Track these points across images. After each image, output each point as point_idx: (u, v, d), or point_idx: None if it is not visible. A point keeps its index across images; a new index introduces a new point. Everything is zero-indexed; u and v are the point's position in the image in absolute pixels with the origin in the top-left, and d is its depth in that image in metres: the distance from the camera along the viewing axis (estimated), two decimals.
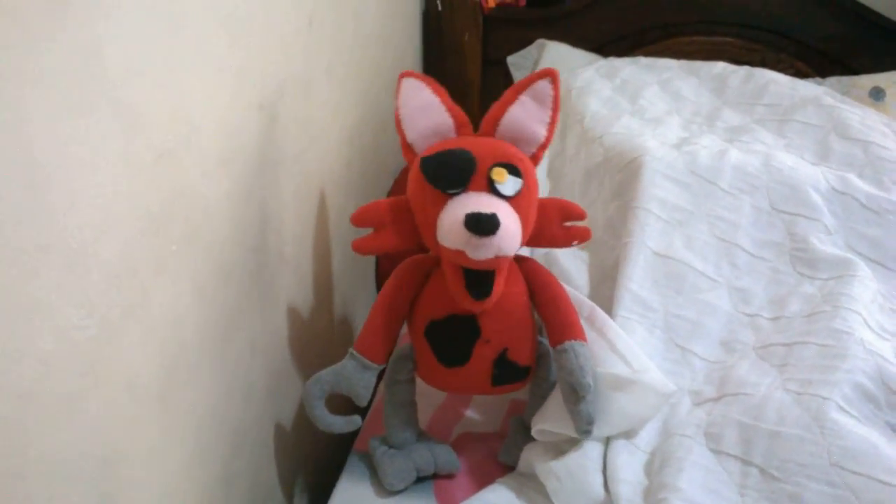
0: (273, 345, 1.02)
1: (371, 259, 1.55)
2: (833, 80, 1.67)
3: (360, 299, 1.47)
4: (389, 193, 1.63)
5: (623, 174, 1.21)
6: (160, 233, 0.70)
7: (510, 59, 1.87)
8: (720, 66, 1.60)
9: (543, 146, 0.92)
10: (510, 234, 0.83)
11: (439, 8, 1.86)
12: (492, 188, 0.85)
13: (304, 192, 1.09)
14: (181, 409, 0.78)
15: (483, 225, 0.81)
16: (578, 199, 1.28)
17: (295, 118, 1.03)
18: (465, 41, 1.86)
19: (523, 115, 0.91)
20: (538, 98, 0.91)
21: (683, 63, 1.64)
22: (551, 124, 0.92)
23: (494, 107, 0.92)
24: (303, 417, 1.13)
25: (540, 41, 1.85)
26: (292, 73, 1.01)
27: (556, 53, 1.79)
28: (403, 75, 0.94)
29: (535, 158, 0.92)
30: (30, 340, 0.54)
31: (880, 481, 0.81)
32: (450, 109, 0.92)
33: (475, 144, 0.89)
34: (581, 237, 0.96)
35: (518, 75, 1.86)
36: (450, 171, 0.86)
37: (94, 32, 0.58)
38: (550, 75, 0.91)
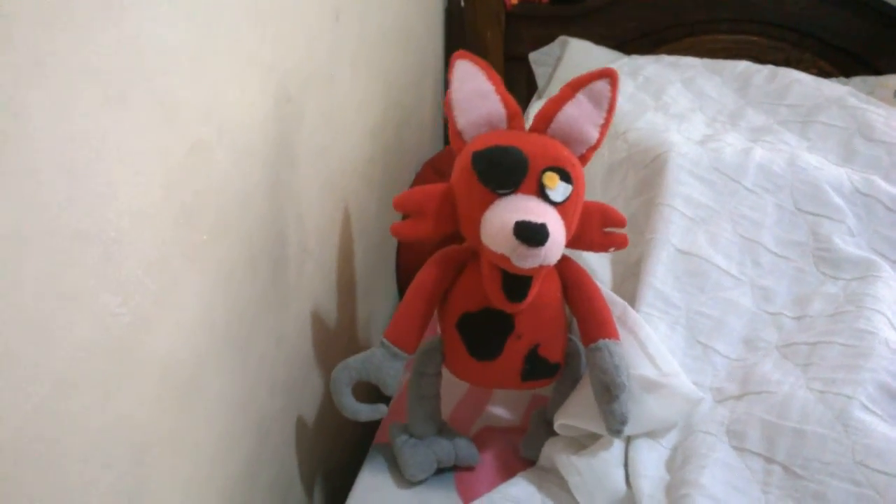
0: (297, 337, 1.03)
1: (392, 252, 1.55)
2: (858, 79, 1.66)
3: (381, 293, 1.48)
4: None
5: (647, 170, 1.21)
6: (192, 223, 0.71)
7: (532, 56, 1.87)
8: (743, 65, 1.59)
9: (594, 148, 0.91)
10: (557, 245, 0.82)
11: (462, 4, 1.86)
12: (541, 192, 0.84)
13: (328, 185, 1.10)
14: (209, 399, 0.79)
15: (533, 235, 0.79)
16: (600, 194, 1.28)
17: (321, 112, 1.04)
18: (487, 37, 1.86)
19: (578, 114, 0.89)
20: (594, 98, 0.89)
21: (707, 61, 1.64)
22: (604, 126, 0.90)
23: (549, 103, 0.90)
24: (325, 410, 1.14)
25: (562, 38, 1.85)
26: (319, 66, 1.02)
27: (578, 51, 1.79)
28: (458, 56, 0.91)
29: (584, 159, 0.91)
30: (68, 327, 0.55)
31: None
32: (504, 99, 0.90)
33: (527, 142, 0.87)
34: (619, 244, 0.95)
35: (540, 72, 1.86)
36: (502, 171, 0.84)
37: (133, 28, 0.59)
38: (610, 76, 0.89)
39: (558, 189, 0.85)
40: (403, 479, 0.99)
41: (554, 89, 1.62)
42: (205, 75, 0.71)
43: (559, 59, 1.81)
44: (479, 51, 1.87)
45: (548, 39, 1.86)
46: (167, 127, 0.65)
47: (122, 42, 0.58)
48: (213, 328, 0.77)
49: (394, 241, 1.56)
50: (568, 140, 0.90)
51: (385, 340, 0.93)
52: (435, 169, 1.66)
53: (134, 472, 0.66)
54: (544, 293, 0.91)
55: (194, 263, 0.72)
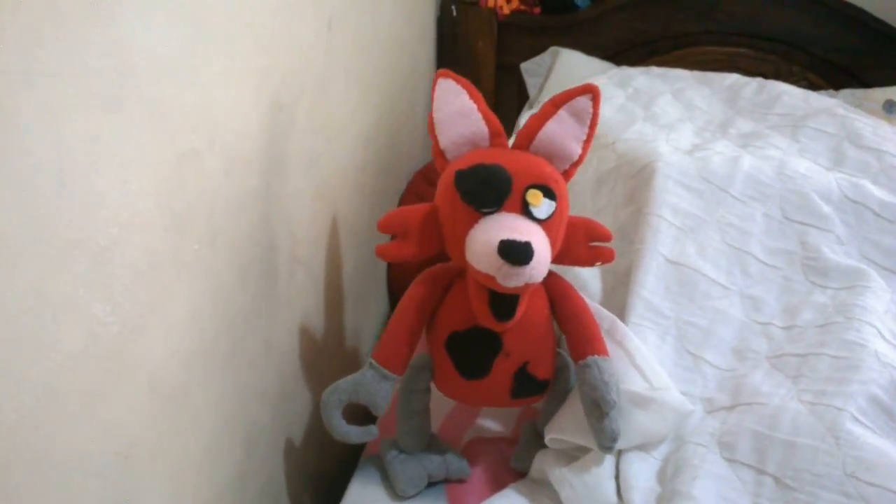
0: (287, 347, 1.02)
1: (383, 263, 1.55)
2: (846, 92, 1.67)
3: (372, 303, 1.47)
4: (401, 198, 1.64)
5: (635, 180, 1.21)
6: (183, 231, 0.70)
7: (524, 66, 1.88)
8: (732, 78, 1.60)
9: (577, 163, 0.91)
10: (542, 262, 0.82)
11: (454, 14, 1.87)
12: (525, 210, 0.84)
13: (319, 194, 1.09)
14: (197, 408, 0.78)
15: (518, 254, 0.79)
16: (589, 204, 1.28)
17: (313, 121, 1.04)
18: (479, 47, 1.87)
19: (560, 130, 0.89)
20: (576, 114, 0.89)
21: (696, 73, 1.64)
22: (587, 142, 0.90)
23: (531, 120, 0.90)
24: (315, 420, 1.14)
25: (553, 48, 1.85)
26: (312, 75, 1.02)
27: (569, 61, 1.80)
28: (440, 75, 0.91)
29: (567, 175, 0.91)
30: (56, 335, 0.55)
31: (895, 492, 0.81)
32: (486, 118, 0.90)
33: (510, 160, 0.87)
34: (605, 258, 0.95)
35: (531, 82, 1.86)
36: (485, 190, 0.85)
37: (124, 32, 0.59)
38: (591, 91, 0.89)
39: (542, 206, 0.85)
40: (394, 491, 0.98)
41: (545, 99, 1.62)
42: (196, 83, 0.71)
43: (550, 69, 1.81)
44: (471, 60, 1.88)
45: (539, 49, 1.87)
46: (158, 135, 0.65)
47: (113, 49, 0.58)
48: (202, 337, 0.77)
49: None
50: (551, 156, 0.90)
51: (374, 362, 0.92)
52: (426, 178, 1.66)
53: (121, 480, 0.65)
54: (532, 310, 0.91)
55: (184, 272, 0.72)
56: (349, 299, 1.30)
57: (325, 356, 1.17)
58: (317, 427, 1.15)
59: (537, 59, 1.86)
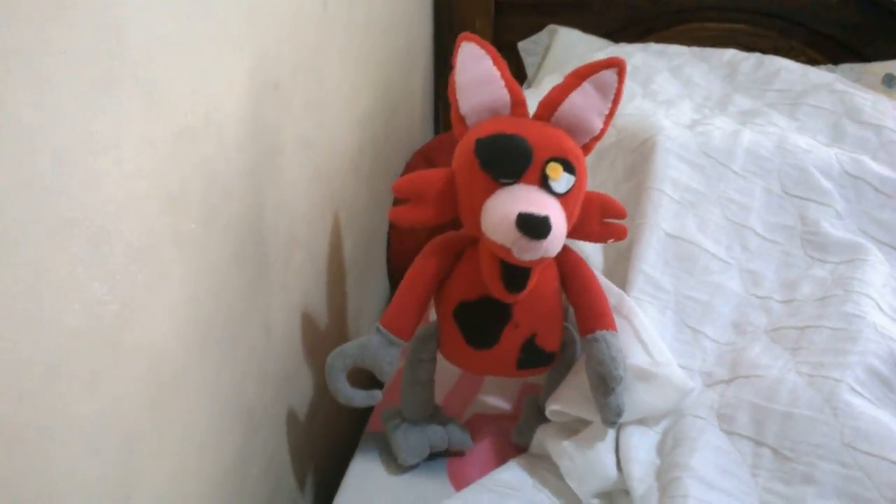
0: (287, 328, 1.03)
1: (383, 242, 1.55)
2: (845, 67, 1.66)
3: (372, 284, 1.47)
4: None
5: (636, 154, 1.21)
6: (179, 211, 0.71)
7: (521, 45, 1.87)
8: (730, 53, 1.60)
9: (597, 138, 0.89)
10: (558, 237, 0.82)
11: None
12: (544, 183, 0.83)
13: (317, 175, 1.09)
14: (198, 388, 0.78)
15: (536, 228, 0.79)
16: (588, 179, 1.28)
17: (309, 100, 1.04)
18: (476, 26, 1.86)
19: (583, 103, 0.87)
20: (601, 88, 0.87)
21: (694, 49, 1.64)
22: (609, 116, 0.89)
23: (554, 91, 0.88)
24: (317, 401, 1.14)
25: (551, 27, 1.84)
26: (307, 55, 1.02)
27: (567, 39, 1.79)
28: (463, 38, 0.89)
29: (587, 149, 0.90)
30: (56, 314, 0.55)
31: (892, 461, 0.82)
32: (509, 85, 0.88)
33: (532, 131, 0.85)
34: (618, 235, 0.95)
35: (529, 61, 1.86)
36: (505, 160, 0.83)
37: (116, 10, 0.58)
38: (617, 65, 0.87)
39: (562, 180, 0.84)
40: (396, 467, 0.99)
41: (543, 78, 1.62)
42: (191, 62, 0.71)
43: (548, 47, 1.81)
44: None
45: (537, 28, 1.86)
46: (153, 114, 0.65)
47: (107, 28, 0.57)
48: (200, 317, 0.77)
49: (384, 231, 1.56)
50: (572, 129, 0.88)
51: (381, 327, 0.92)
52: (426, 159, 1.65)
53: (122, 459, 0.65)
54: (542, 283, 0.91)
55: (181, 252, 0.72)
56: (349, 280, 1.31)
57: (325, 338, 1.18)
58: (319, 407, 1.15)
59: (534, 37, 1.85)
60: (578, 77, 0.88)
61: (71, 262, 0.56)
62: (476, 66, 0.88)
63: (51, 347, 0.55)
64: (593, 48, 1.73)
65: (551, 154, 0.84)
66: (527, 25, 1.87)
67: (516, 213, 0.79)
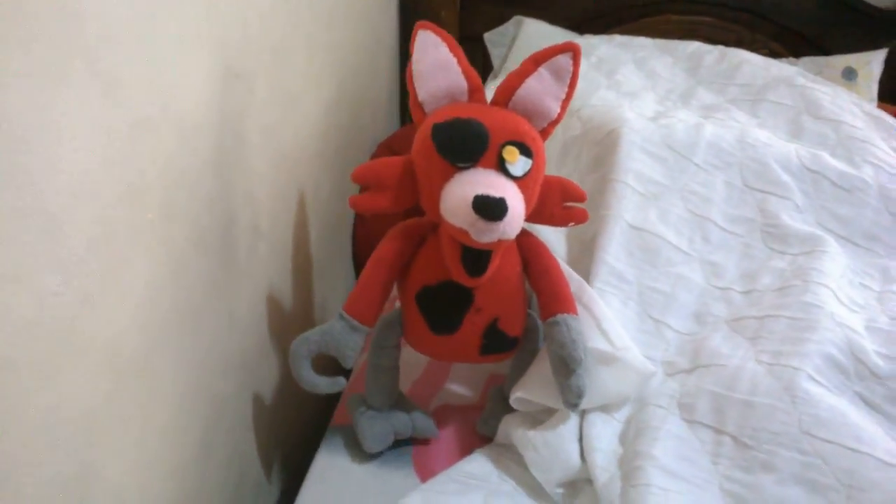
0: (250, 318, 1.02)
1: (348, 231, 1.54)
2: (807, 60, 1.69)
3: (337, 272, 1.47)
4: None
5: (601, 146, 1.22)
6: (137, 201, 0.69)
7: (487, 36, 1.86)
8: (694, 46, 1.61)
9: (555, 122, 0.90)
10: (516, 219, 0.83)
11: None
12: (501, 166, 0.84)
13: (280, 164, 1.08)
14: (159, 379, 0.77)
15: (492, 210, 0.79)
16: (555, 171, 1.28)
17: (272, 89, 1.02)
18: (442, 16, 1.85)
19: (539, 88, 0.88)
20: (557, 73, 0.88)
21: (658, 42, 1.65)
22: (566, 100, 0.90)
23: (510, 76, 0.89)
24: (282, 389, 1.14)
25: (517, 18, 1.84)
26: (270, 43, 1.00)
27: (533, 31, 1.79)
28: (420, 26, 0.89)
29: (545, 134, 0.90)
30: (7, 306, 0.54)
31: (849, 448, 0.83)
32: (465, 72, 0.89)
33: (488, 116, 0.86)
34: (579, 219, 0.96)
35: (495, 53, 1.85)
36: (462, 145, 0.84)
37: None
38: (572, 50, 0.88)
39: (518, 163, 0.84)
40: (361, 458, 0.99)
41: (509, 69, 1.61)
42: (149, 49, 0.69)
43: (514, 39, 1.81)
44: None
45: (503, 20, 1.85)
46: (109, 102, 0.63)
47: (61, 13, 0.56)
48: (161, 307, 0.76)
49: (349, 220, 1.55)
50: (529, 114, 0.89)
51: (344, 313, 0.92)
52: (390, 150, 1.64)
53: (83, 450, 0.65)
54: (504, 267, 0.91)
55: (140, 242, 0.71)
56: (314, 269, 1.30)
57: (290, 327, 1.17)
58: (285, 395, 1.15)
59: (501, 28, 1.85)
60: (534, 62, 0.89)
61: (22, 253, 0.55)
62: (433, 54, 0.88)
63: (3, 340, 0.54)
64: (559, 39, 1.69)
65: (508, 138, 0.85)
66: (493, 16, 1.87)
67: (473, 196, 0.80)
